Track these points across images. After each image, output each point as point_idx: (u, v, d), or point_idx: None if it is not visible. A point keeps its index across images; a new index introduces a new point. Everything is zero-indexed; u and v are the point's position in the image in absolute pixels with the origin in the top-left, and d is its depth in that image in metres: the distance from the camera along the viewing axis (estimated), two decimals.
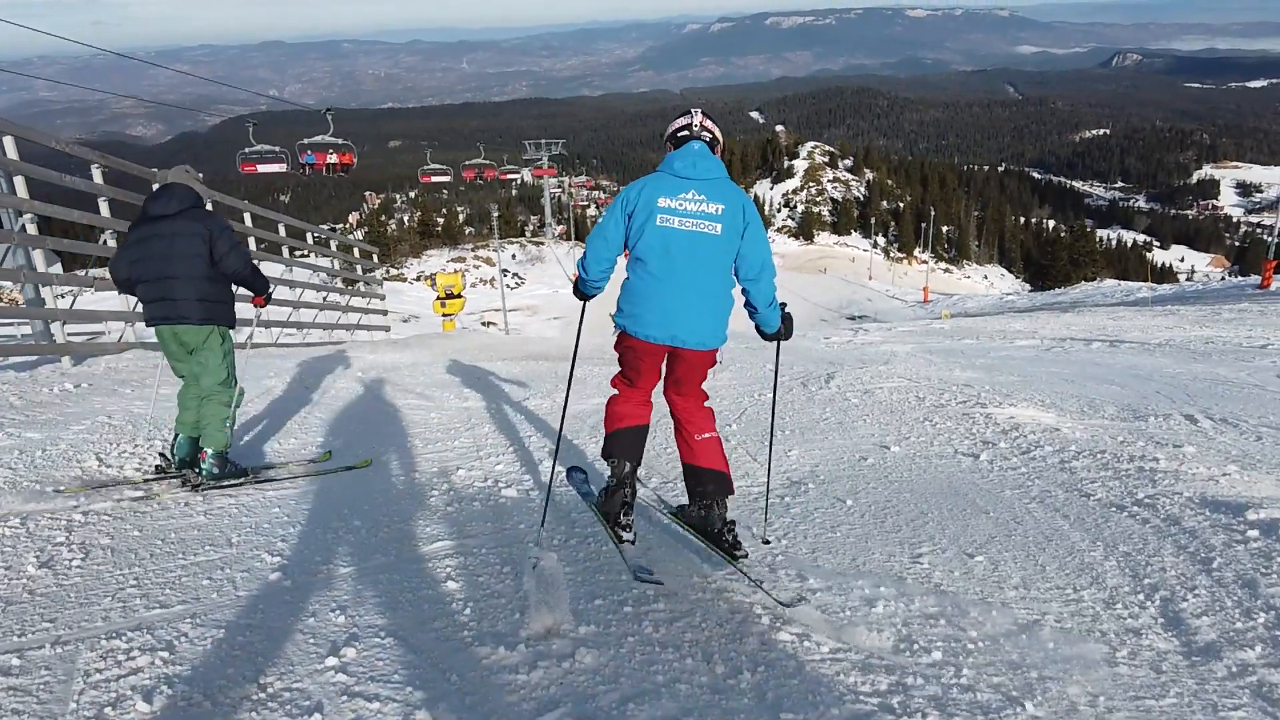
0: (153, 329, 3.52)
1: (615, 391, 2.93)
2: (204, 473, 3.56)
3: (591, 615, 2.39)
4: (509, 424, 5.38)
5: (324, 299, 12.58)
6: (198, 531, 3.15)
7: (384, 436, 4.98)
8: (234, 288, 3.69)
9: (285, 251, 11.32)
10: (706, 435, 2.79)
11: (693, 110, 2.70)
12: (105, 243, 7.49)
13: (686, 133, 2.67)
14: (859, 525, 3.27)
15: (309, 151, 22.79)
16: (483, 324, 32.23)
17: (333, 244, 13.66)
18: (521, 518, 3.37)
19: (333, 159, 22.86)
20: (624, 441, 2.78)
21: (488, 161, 47.09)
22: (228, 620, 2.37)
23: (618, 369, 2.92)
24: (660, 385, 2.88)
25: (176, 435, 3.70)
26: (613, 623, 2.35)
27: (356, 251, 15.06)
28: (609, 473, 2.81)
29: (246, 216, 9.98)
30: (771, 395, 5.49)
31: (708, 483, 2.76)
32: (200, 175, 3.95)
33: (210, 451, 3.58)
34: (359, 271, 15.20)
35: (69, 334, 9.20)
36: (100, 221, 7.31)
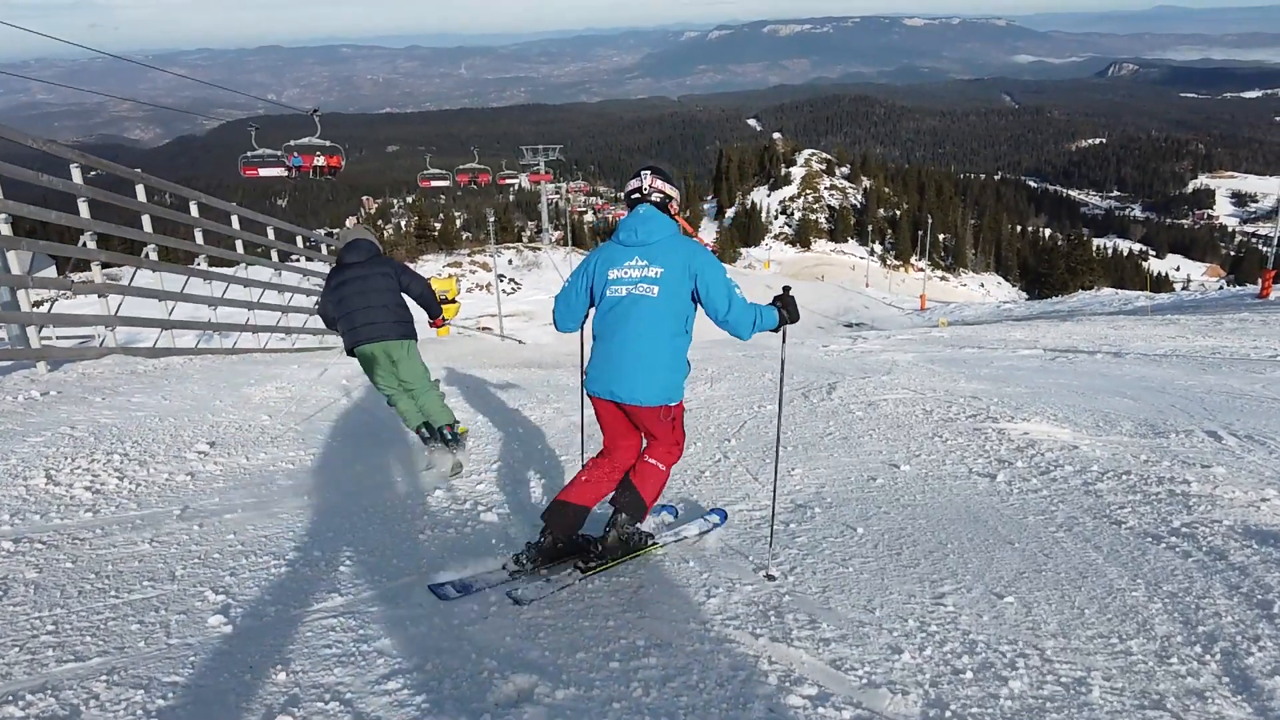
0: (358, 346, 4.34)
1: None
2: (454, 437, 4.42)
3: (572, 673, 2.08)
4: (496, 437, 5.08)
5: (315, 304, 12.26)
6: (139, 563, 2.83)
7: (358, 450, 4.66)
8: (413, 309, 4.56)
9: (274, 255, 11.02)
10: (652, 462, 2.88)
11: (643, 173, 2.83)
12: (84, 244, 7.17)
13: (638, 195, 2.80)
14: (873, 558, 2.96)
15: (295, 154, 22.42)
16: (479, 329, 31.89)
17: (324, 248, 13.33)
18: (498, 548, 3.06)
19: (320, 161, 22.48)
20: (556, 517, 2.84)
21: (482, 166, 46.88)
22: (150, 677, 2.04)
23: None
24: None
25: (417, 429, 4.50)
26: (596, 683, 2.03)
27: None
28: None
29: (234, 219, 9.68)
30: (772, 408, 5.18)
31: (623, 493, 2.86)
32: (369, 227, 4.52)
33: (450, 426, 4.44)
34: None
35: (58, 337, 8.98)
36: (79, 223, 7.00)
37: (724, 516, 3.41)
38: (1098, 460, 4.25)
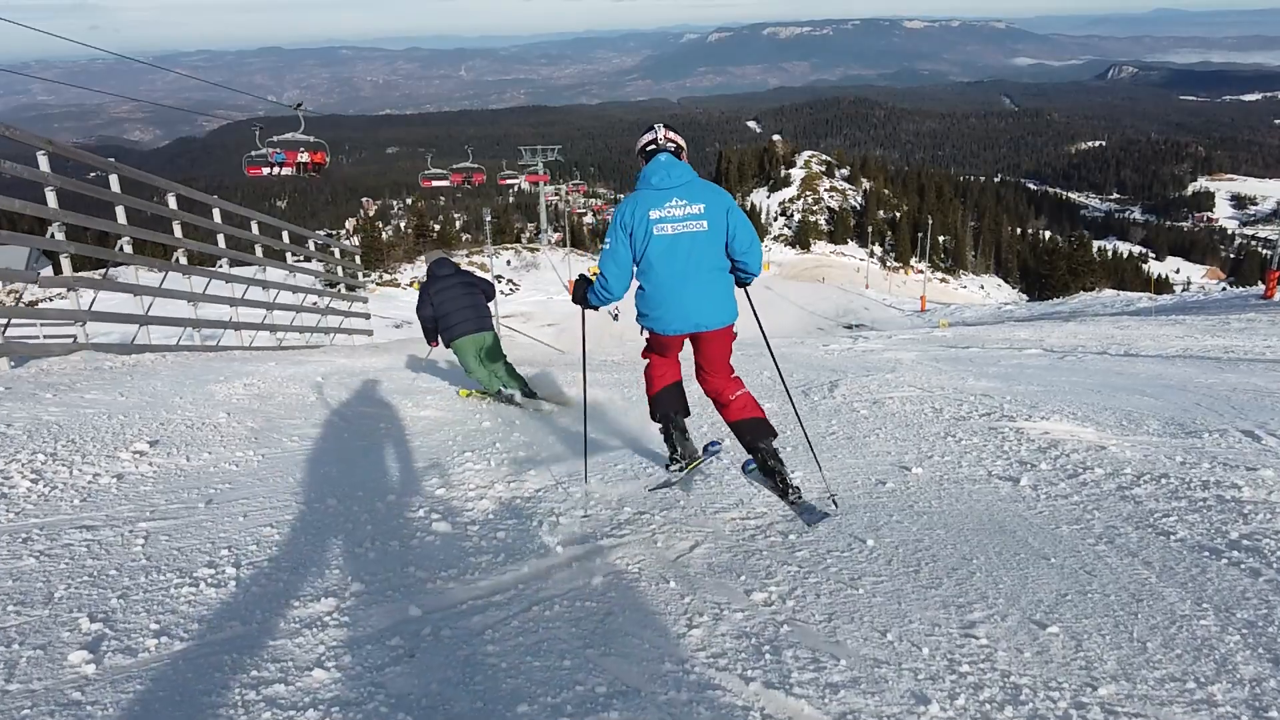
0: (455, 339, 5.79)
1: (647, 361, 3.36)
2: (525, 393, 5.79)
3: None
4: (466, 437, 4.64)
5: (301, 301, 11.80)
6: (13, 582, 2.36)
7: (313, 453, 4.21)
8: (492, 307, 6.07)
9: (258, 251, 10.54)
10: (738, 393, 3.17)
11: (655, 126, 3.06)
12: (53, 235, 6.73)
13: (654, 146, 3.01)
14: (887, 577, 2.51)
15: (278, 150, 21.89)
16: None
17: (311, 243, 12.84)
18: (445, 564, 2.61)
19: (304, 158, 21.94)
20: (663, 399, 3.29)
21: (475, 165, 46.57)
22: None
23: (639, 354, 3.42)
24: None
25: (498, 391, 5.81)
26: None
27: (337, 253, 14.28)
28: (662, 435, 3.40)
29: (215, 213, 9.21)
30: (770, 406, 4.82)
31: (745, 433, 3.17)
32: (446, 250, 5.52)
33: (520, 388, 5.83)
34: (340, 273, 14.44)
35: (46, 336, 8.59)
36: (47, 214, 6.56)
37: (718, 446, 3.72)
38: (1130, 462, 3.82)
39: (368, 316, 15.41)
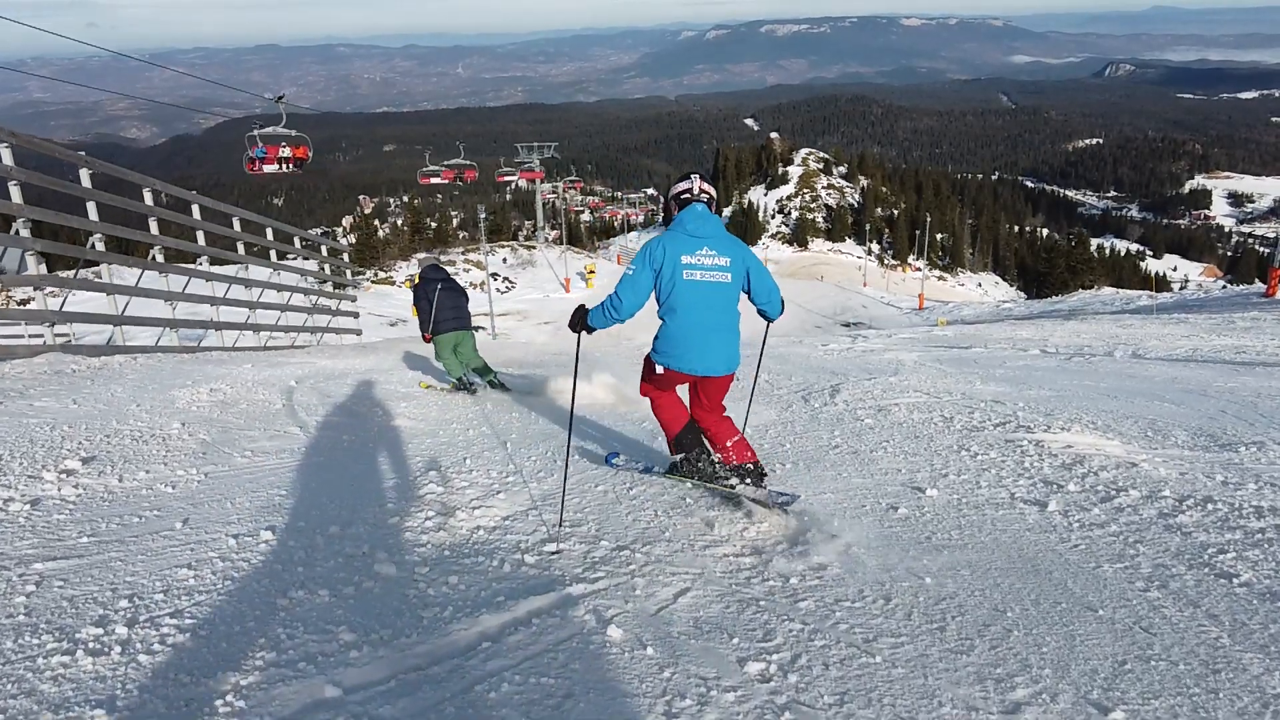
0: (440, 334, 6.68)
1: (651, 399, 3.51)
2: (496, 379, 6.72)
3: None
4: (436, 451, 4.22)
5: (287, 300, 11.36)
6: None
7: (264, 471, 3.78)
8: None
9: (240, 248, 10.08)
10: (734, 439, 3.36)
11: (693, 176, 3.30)
12: (17, 232, 6.41)
13: (689, 195, 3.23)
14: (908, 637, 2.10)
15: (259, 144, 21.25)
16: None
17: (297, 241, 12.38)
18: (381, 620, 2.19)
19: (286, 152, 21.32)
20: (688, 438, 3.40)
21: (468, 162, 46.13)
22: None
23: (639, 381, 3.59)
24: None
25: (459, 379, 6.58)
26: None
27: (324, 250, 13.84)
28: (682, 458, 3.45)
29: (195, 209, 8.77)
30: (770, 414, 4.49)
31: (745, 476, 3.29)
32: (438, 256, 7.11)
33: (491, 374, 6.75)
34: (327, 270, 14.01)
35: (30, 335, 8.16)
36: (11, 209, 6.17)
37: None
38: (1166, 482, 3.44)
39: (356, 315, 14.99)
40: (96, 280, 7.53)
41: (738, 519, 3.16)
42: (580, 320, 3.32)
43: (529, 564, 2.64)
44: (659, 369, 3.27)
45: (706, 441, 3.41)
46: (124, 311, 7.50)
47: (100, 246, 7.17)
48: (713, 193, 3.28)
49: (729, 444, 3.33)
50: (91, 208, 6.99)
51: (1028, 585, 2.45)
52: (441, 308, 6.69)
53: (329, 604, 2.29)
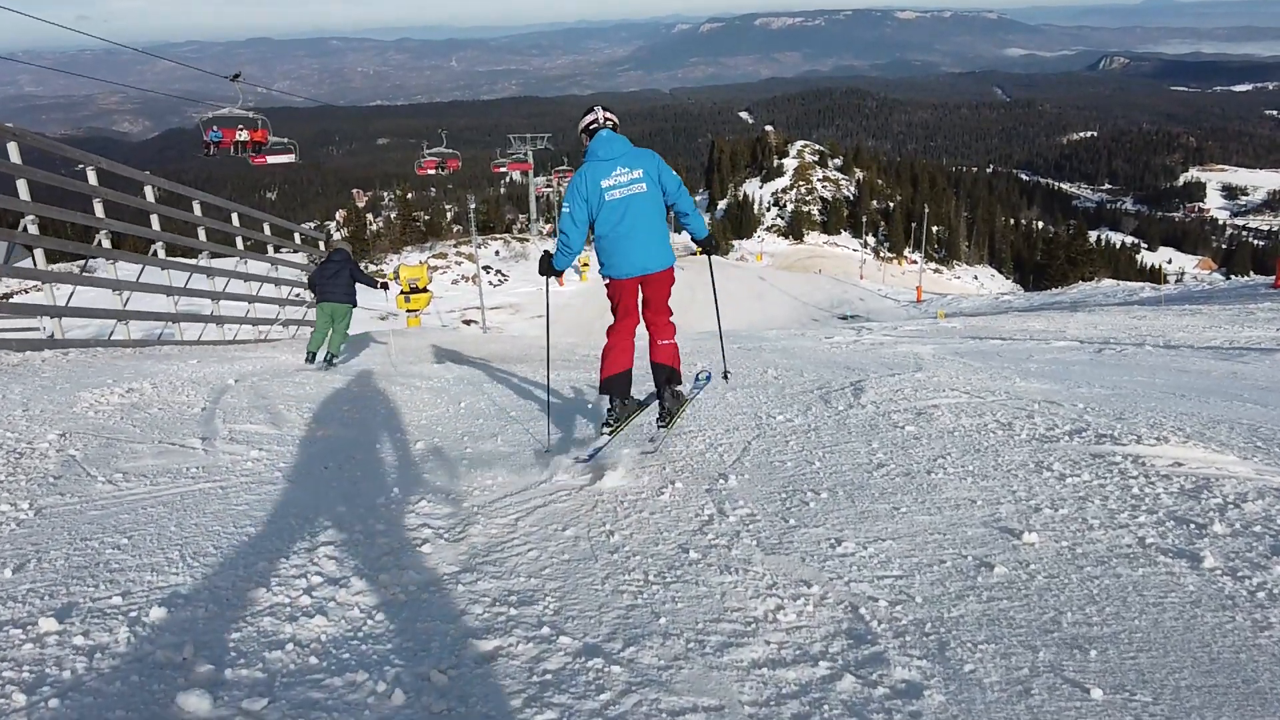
0: (320, 301, 7.93)
1: (607, 343, 3.77)
2: (335, 358, 7.74)
3: None
4: (353, 484, 3.44)
5: (256, 291, 10.93)
6: None
7: (121, 500, 2.94)
8: (357, 289, 8.23)
9: (202, 234, 9.63)
10: (666, 341, 3.75)
11: (594, 107, 3.67)
12: (25, 228, 6.43)
13: (595, 124, 3.62)
14: None
15: (215, 128, 20.19)
16: (464, 322, 30.70)
17: (266, 228, 11.92)
18: (325, 662, 1.83)
19: (243, 136, 20.23)
20: (617, 384, 3.75)
21: (451, 151, 45.45)
22: None
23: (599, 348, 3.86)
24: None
25: (314, 353, 7.68)
26: None
27: (297, 238, 13.39)
28: (608, 408, 3.83)
29: (148, 191, 8.36)
30: (783, 419, 4.16)
31: (660, 373, 3.76)
32: (347, 240, 9.40)
33: (337, 353, 7.87)
34: (306, 260, 13.58)
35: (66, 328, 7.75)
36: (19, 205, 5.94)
37: (709, 377, 4.59)
38: None
39: None
40: (25, 267, 7.02)
41: (761, 589, 2.27)
42: (547, 266, 3.78)
43: (403, 684, 1.77)
44: (606, 281, 3.67)
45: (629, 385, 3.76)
46: (69, 304, 7.09)
47: (33, 230, 6.67)
48: (614, 118, 3.66)
49: (660, 343, 3.72)
50: (22, 186, 6.46)
51: (1246, 714, 1.58)
52: (324, 279, 7.90)
53: (262, 648, 1.84)
